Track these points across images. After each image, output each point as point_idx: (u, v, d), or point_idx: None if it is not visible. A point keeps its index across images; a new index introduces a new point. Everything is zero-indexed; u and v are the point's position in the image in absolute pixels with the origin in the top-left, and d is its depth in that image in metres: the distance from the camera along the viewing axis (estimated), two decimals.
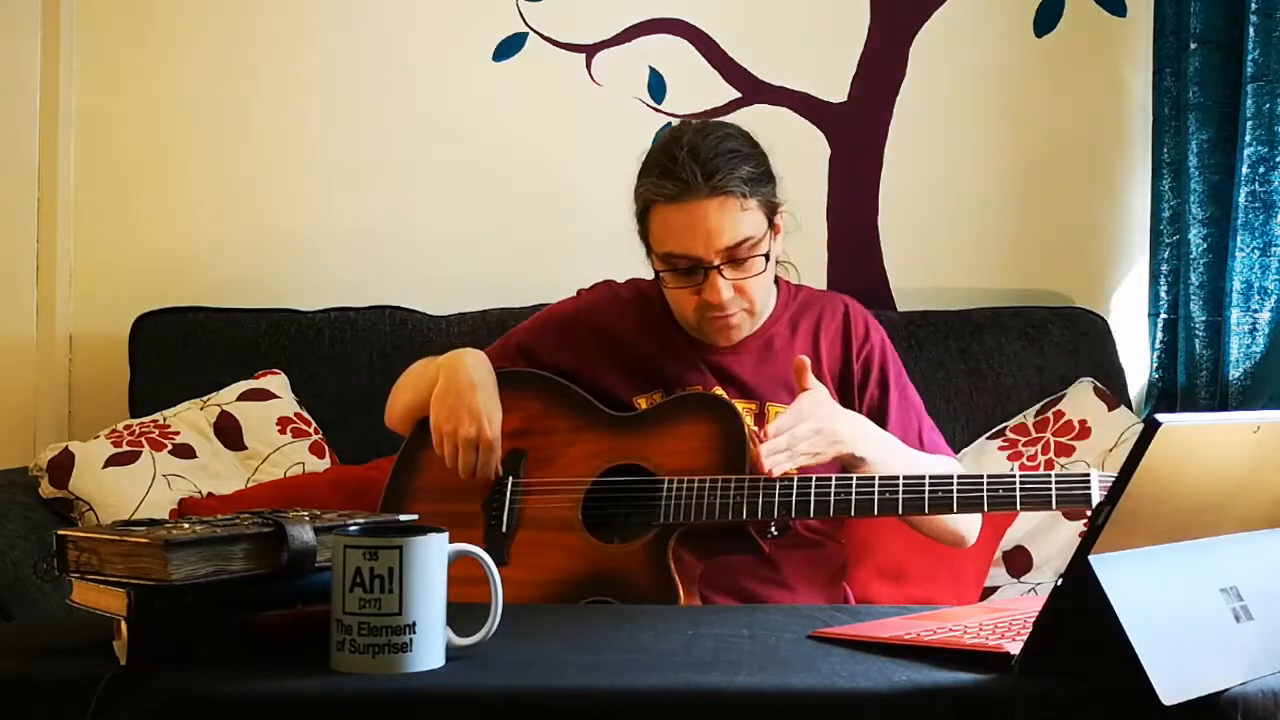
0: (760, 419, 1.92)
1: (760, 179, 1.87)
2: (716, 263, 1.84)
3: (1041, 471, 1.73)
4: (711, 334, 1.93)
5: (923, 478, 1.73)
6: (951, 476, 1.72)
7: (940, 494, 1.70)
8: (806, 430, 1.75)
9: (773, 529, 1.84)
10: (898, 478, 1.73)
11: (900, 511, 1.73)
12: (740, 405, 1.87)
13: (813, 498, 1.74)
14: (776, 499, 1.75)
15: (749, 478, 1.77)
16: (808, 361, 1.80)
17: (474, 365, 1.92)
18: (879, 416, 1.94)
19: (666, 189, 1.84)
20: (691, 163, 1.82)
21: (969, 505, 1.70)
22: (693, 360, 1.96)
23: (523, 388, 1.97)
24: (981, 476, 1.71)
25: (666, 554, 1.77)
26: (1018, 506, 1.69)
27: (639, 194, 1.90)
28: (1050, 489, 1.67)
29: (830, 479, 1.75)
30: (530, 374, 1.99)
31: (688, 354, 1.96)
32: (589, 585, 1.78)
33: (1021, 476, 1.70)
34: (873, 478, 1.74)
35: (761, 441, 1.77)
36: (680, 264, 1.87)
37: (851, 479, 1.74)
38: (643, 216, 1.90)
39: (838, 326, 1.99)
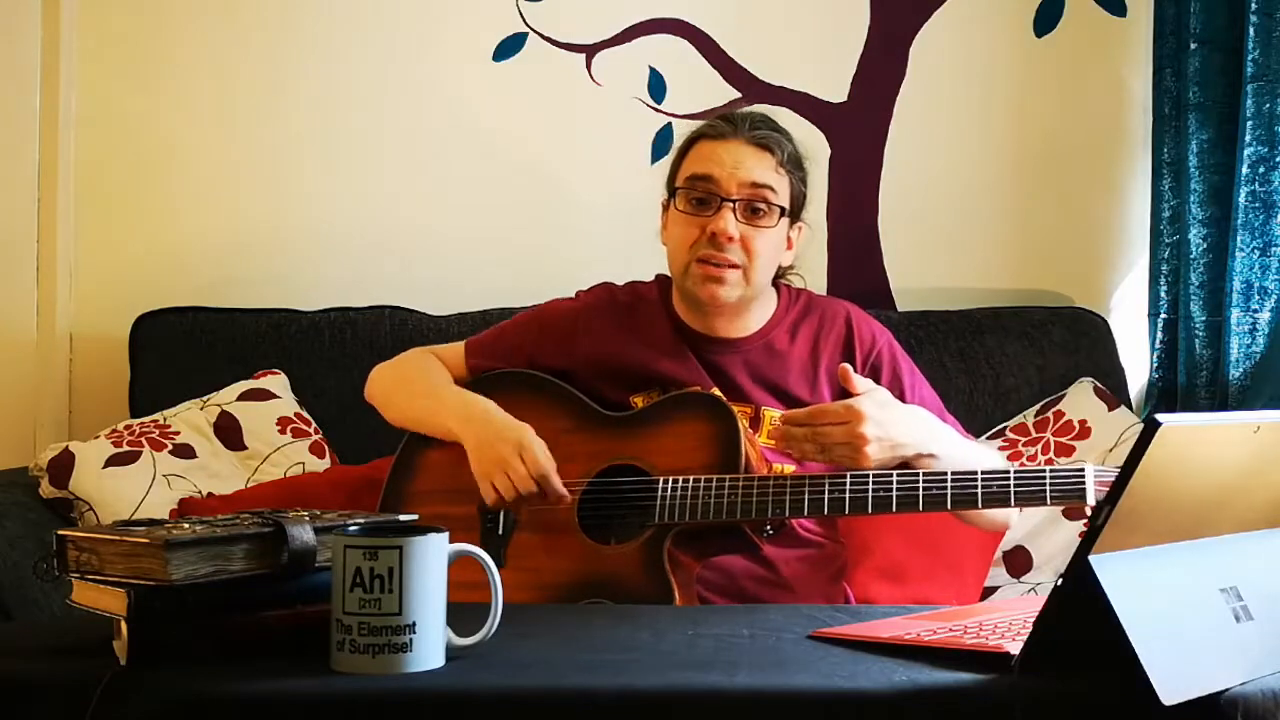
0: (755, 422, 1.92)
1: (796, 164, 1.96)
2: (734, 197, 1.89)
3: (1036, 467, 1.73)
4: (697, 288, 1.92)
5: (916, 474, 1.73)
6: (946, 474, 1.72)
7: (934, 492, 1.70)
8: (839, 434, 1.74)
9: (768, 528, 1.84)
10: (891, 475, 1.73)
11: (894, 509, 1.73)
12: (735, 409, 1.86)
13: (806, 497, 1.74)
14: (770, 498, 1.75)
15: (743, 477, 1.76)
16: (850, 369, 1.80)
17: (507, 421, 1.88)
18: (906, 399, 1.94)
19: (716, 126, 1.96)
20: (745, 116, 1.97)
21: (963, 502, 1.70)
22: (690, 362, 1.95)
23: (518, 389, 1.97)
24: (976, 473, 1.71)
25: (662, 555, 1.77)
26: (1012, 503, 1.70)
27: (686, 135, 2.01)
28: (1045, 485, 1.67)
29: (823, 478, 1.75)
30: (526, 375, 1.99)
31: (685, 356, 1.96)
32: (585, 588, 1.78)
33: (1016, 472, 1.70)
34: (867, 475, 1.73)
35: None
36: (698, 191, 1.92)
37: (845, 477, 1.74)
38: (682, 153, 1.98)
39: (839, 334, 1.99)
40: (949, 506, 1.71)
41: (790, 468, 1.89)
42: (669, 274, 2.02)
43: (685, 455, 1.82)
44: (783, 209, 1.92)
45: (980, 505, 1.71)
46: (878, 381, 1.95)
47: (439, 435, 1.95)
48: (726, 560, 1.85)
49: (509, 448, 1.84)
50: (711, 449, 1.81)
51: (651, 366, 1.95)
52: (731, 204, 1.89)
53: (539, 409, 1.94)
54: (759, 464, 1.83)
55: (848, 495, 1.73)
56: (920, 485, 1.71)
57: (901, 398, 1.95)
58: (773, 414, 1.92)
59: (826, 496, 1.74)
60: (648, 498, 1.80)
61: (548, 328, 2.05)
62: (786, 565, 1.89)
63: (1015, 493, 1.69)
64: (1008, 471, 1.71)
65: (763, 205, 1.91)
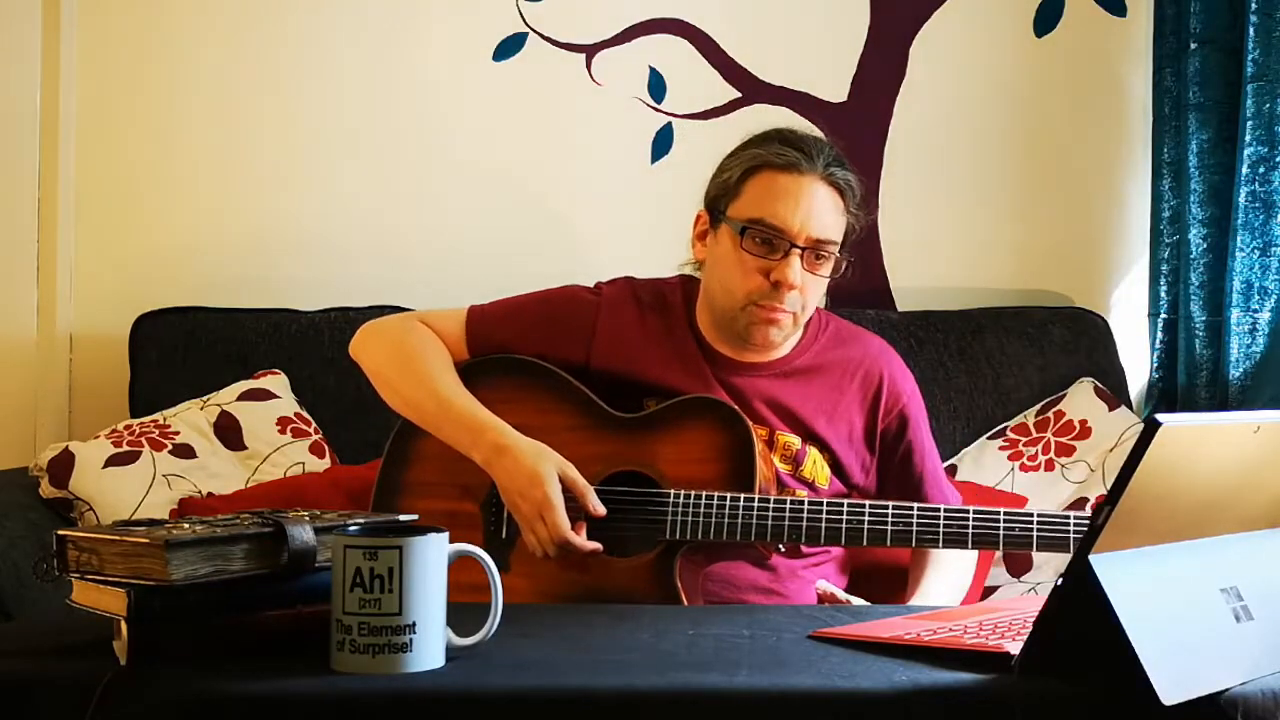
0: (769, 445, 1.88)
1: (861, 204, 1.88)
2: (802, 245, 1.81)
3: (1060, 513, 1.71)
4: (749, 328, 1.85)
5: (938, 509, 1.72)
6: (968, 511, 1.71)
7: (954, 531, 1.70)
8: None
9: (780, 546, 1.82)
10: (912, 508, 1.72)
11: (913, 544, 1.72)
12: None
13: (824, 524, 1.72)
14: (787, 523, 1.73)
15: (759, 497, 1.74)
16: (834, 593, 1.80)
17: (525, 470, 1.78)
18: (916, 462, 1.94)
19: (788, 155, 1.82)
20: (818, 144, 1.85)
21: (984, 542, 1.69)
22: (708, 382, 1.90)
23: (520, 377, 1.92)
24: (999, 513, 1.70)
25: (673, 572, 1.75)
26: (1035, 547, 1.68)
27: (744, 156, 1.85)
28: (1068, 530, 1.66)
29: (842, 504, 1.73)
30: (531, 364, 1.93)
31: (704, 370, 1.91)
32: (592, 600, 1.75)
33: (1040, 516, 1.68)
34: (886, 506, 1.73)
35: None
36: (765, 234, 1.81)
37: (864, 505, 1.73)
38: (743, 177, 1.84)
39: (870, 385, 1.93)
40: (969, 545, 1.70)
41: (803, 492, 1.87)
42: (693, 274, 1.97)
43: (696, 465, 1.79)
44: (840, 253, 1.86)
45: (1001, 546, 1.70)
46: (888, 445, 1.93)
47: (444, 440, 1.88)
48: (730, 572, 1.83)
49: (530, 508, 1.75)
50: (724, 461, 1.78)
51: (668, 379, 1.90)
52: (800, 251, 1.81)
53: (542, 403, 1.89)
54: (770, 485, 1.81)
55: (866, 526, 1.72)
56: (941, 522, 1.70)
57: (909, 465, 1.94)
58: (786, 438, 1.89)
59: (844, 526, 1.72)
60: (658, 510, 1.77)
61: (564, 317, 1.96)
62: (790, 574, 1.88)
63: (1038, 537, 1.67)
64: (1031, 514, 1.69)
65: (825, 253, 1.84)
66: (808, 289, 1.84)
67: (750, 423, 1.82)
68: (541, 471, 1.76)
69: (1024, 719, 1.14)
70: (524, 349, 1.95)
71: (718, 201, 1.88)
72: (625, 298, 1.98)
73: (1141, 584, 1.15)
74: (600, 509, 1.77)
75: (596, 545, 1.75)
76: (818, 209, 1.82)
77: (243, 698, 1.17)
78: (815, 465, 1.89)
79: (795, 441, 1.89)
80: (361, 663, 1.20)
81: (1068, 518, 1.67)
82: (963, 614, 1.44)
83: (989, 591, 2.34)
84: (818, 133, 1.95)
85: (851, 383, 1.93)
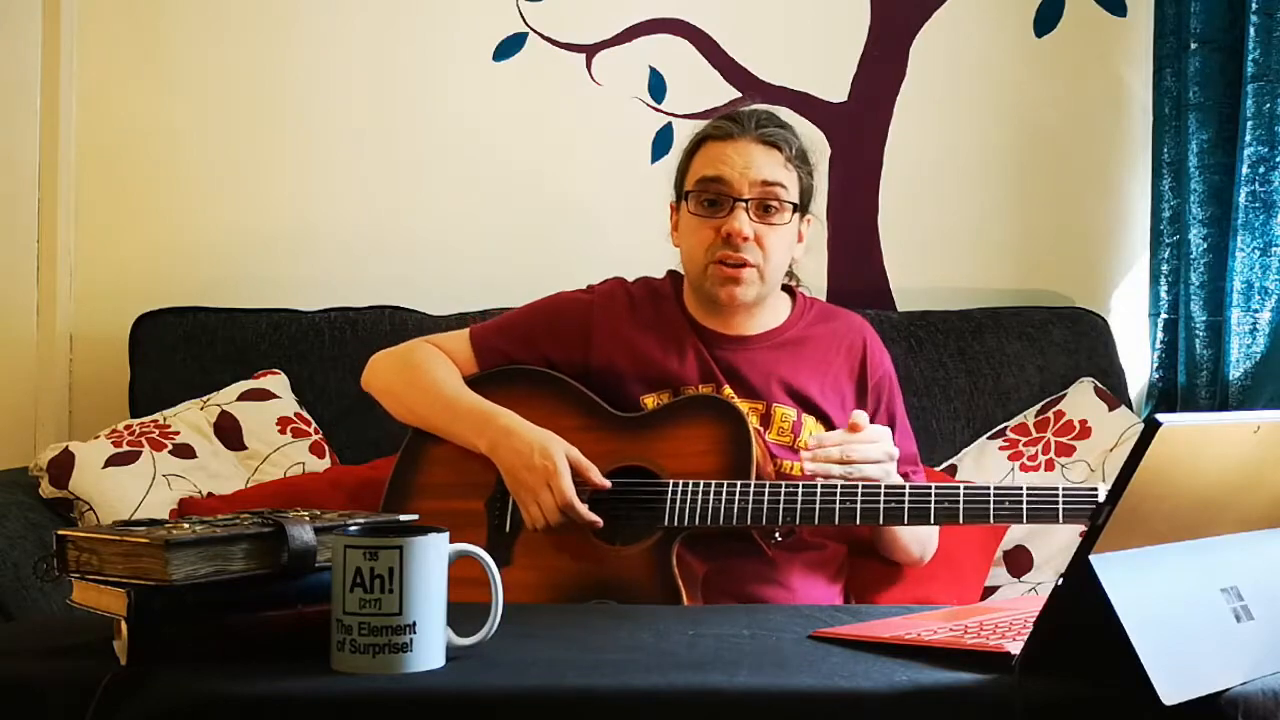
0: (766, 420, 1.92)
1: (803, 159, 1.97)
2: (746, 197, 1.90)
3: (1048, 486, 1.72)
4: (716, 286, 1.92)
5: (929, 488, 1.73)
6: (958, 489, 1.72)
7: (946, 505, 1.71)
8: (873, 451, 1.77)
9: (777, 535, 1.84)
10: (904, 487, 1.74)
11: (905, 521, 1.73)
12: (745, 405, 1.87)
13: (818, 506, 1.74)
14: (782, 506, 1.75)
15: (755, 483, 1.76)
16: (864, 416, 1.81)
17: (533, 444, 1.85)
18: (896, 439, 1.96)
19: (722, 126, 1.96)
20: (750, 115, 1.97)
21: (974, 517, 1.71)
22: (703, 358, 1.95)
23: (528, 385, 1.96)
24: (988, 488, 1.71)
25: (671, 558, 1.77)
26: (1024, 520, 1.70)
27: (693, 137, 2.00)
28: (1058, 503, 1.67)
29: (835, 488, 1.75)
30: (536, 371, 1.98)
31: (698, 352, 1.96)
32: (593, 589, 1.78)
33: (1029, 490, 1.69)
34: (878, 486, 1.74)
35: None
36: (709, 193, 1.92)
37: (857, 487, 1.75)
38: (690, 155, 1.98)
39: (856, 353, 2.01)
40: (960, 520, 1.72)
41: (798, 466, 1.89)
42: (681, 272, 2.02)
43: (695, 459, 1.82)
44: (794, 204, 1.93)
45: (991, 520, 1.72)
46: (876, 410, 1.99)
47: (457, 443, 1.94)
48: (730, 566, 1.85)
49: (537, 478, 1.81)
50: (722, 453, 1.81)
51: (665, 364, 1.95)
52: (744, 204, 1.90)
53: (548, 407, 1.93)
54: (765, 462, 1.84)
55: (859, 505, 1.74)
56: (932, 499, 1.72)
57: (894, 423, 1.99)
58: (783, 410, 1.92)
59: (838, 506, 1.74)
60: (657, 500, 1.79)
61: (561, 319, 2.03)
62: (789, 567, 1.89)
63: (1028, 511, 1.69)
64: (1020, 489, 1.71)
65: (774, 203, 1.91)
66: (764, 240, 1.91)
67: (746, 404, 1.86)
68: (550, 445, 1.83)
69: (1024, 719, 1.14)
70: (529, 358, 2.01)
71: (676, 187, 2.01)
72: (617, 293, 2.05)
73: (1141, 584, 1.15)
74: (604, 481, 1.82)
75: (596, 518, 1.80)
76: (755, 162, 1.92)
77: (243, 698, 1.17)
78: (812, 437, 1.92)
79: (791, 413, 1.93)
80: (361, 663, 1.21)
81: (1055, 490, 1.69)
82: (963, 614, 1.44)
83: (989, 591, 2.34)
84: (771, 108, 2.03)
85: (838, 354, 2.00)
